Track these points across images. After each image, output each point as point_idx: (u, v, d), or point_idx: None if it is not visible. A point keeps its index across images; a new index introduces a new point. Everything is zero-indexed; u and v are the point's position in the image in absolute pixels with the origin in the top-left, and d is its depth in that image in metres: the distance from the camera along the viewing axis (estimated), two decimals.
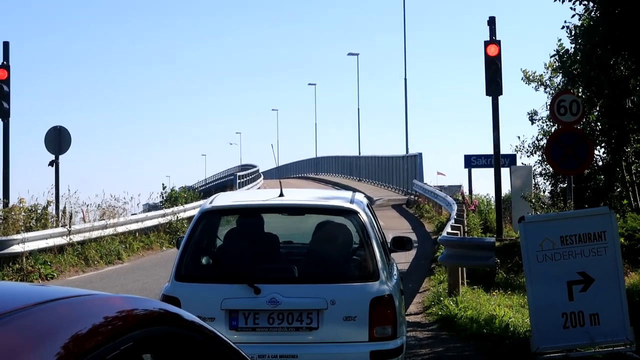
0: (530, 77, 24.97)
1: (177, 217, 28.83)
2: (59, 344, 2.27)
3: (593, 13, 14.95)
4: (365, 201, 8.64)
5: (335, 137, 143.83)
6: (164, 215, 28.44)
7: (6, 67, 23.75)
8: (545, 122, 25.54)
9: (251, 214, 8.33)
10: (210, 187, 58.94)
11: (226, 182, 58.62)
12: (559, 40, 17.66)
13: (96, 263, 22.30)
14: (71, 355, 2.25)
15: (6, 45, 23.95)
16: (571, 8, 15.13)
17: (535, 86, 24.98)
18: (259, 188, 49.91)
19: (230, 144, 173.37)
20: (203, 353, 2.87)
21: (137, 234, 26.19)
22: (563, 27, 16.34)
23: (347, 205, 8.10)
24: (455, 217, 22.83)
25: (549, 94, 24.71)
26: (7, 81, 23.78)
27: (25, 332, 2.27)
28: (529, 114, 25.81)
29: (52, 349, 2.24)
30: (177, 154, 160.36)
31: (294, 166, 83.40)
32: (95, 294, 2.71)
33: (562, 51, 16.28)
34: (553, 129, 24.98)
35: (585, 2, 14.96)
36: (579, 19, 15.49)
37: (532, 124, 25.87)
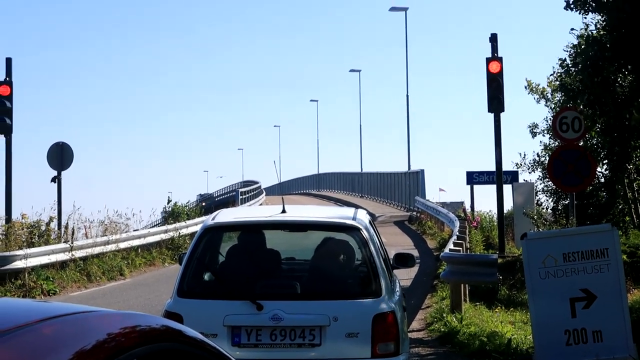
0: (534, 89, 24.97)
1: (179, 233, 28.80)
2: None
3: (598, 26, 14.95)
4: (368, 218, 8.63)
5: (337, 153, 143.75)
6: (166, 231, 28.42)
7: (9, 83, 23.74)
8: (545, 135, 25.51)
9: (253, 231, 8.34)
10: (212, 204, 58.91)
11: (228, 199, 58.60)
12: (560, 59, 17.68)
13: (98, 279, 22.28)
14: None
15: (8, 61, 23.94)
16: (583, 22, 15.19)
17: (537, 98, 24.99)
18: (261, 204, 49.90)
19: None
20: None
21: (139, 249, 26.14)
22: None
23: (350, 221, 8.09)
24: (457, 233, 22.79)
25: (550, 108, 24.71)
26: (9, 97, 23.77)
27: (28, 349, 2.27)
28: (529, 126, 25.81)
29: None
30: (178, 169, 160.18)
31: (296, 182, 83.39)
32: (97, 311, 2.71)
33: (563, 70, 16.28)
34: (551, 142, 25.02)
35: (598, 14, 14.93)
36: (579, 36, 15.52)
37: (533, 137, 25.85)
